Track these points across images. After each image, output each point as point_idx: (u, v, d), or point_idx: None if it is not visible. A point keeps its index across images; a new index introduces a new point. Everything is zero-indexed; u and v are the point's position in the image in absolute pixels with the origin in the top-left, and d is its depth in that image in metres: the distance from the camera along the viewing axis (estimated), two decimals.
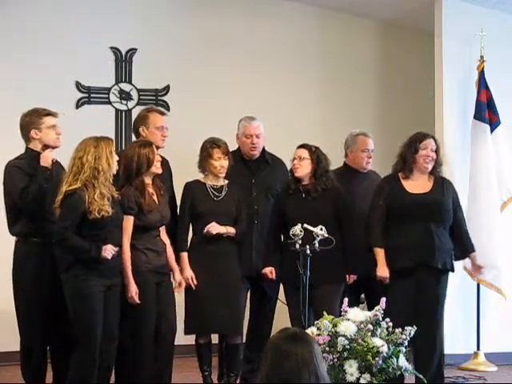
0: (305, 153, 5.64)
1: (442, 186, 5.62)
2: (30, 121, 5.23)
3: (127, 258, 5.13)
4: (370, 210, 5.64)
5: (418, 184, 5.60)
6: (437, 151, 5.62)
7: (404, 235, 5.49)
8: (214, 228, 5.50)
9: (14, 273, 5.24)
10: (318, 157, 5.65)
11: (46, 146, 5.20)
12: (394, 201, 5.55)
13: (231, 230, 5.55)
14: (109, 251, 4.88)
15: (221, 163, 5.57)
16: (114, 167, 4.98)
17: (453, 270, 5.63)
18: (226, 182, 5.67)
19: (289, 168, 5.83)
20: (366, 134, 6.29)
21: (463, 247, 5.65)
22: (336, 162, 6.02)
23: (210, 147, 5.58)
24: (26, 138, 5.26)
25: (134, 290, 5.11)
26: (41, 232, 5.13)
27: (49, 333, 5.20)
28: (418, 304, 5.41)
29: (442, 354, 5.57)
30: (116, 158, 5.01)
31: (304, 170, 5.63)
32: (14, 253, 5.25)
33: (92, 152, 4.89)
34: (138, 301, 5.11)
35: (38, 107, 5.30)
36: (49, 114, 5.25)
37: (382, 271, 5.51)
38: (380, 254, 5.54)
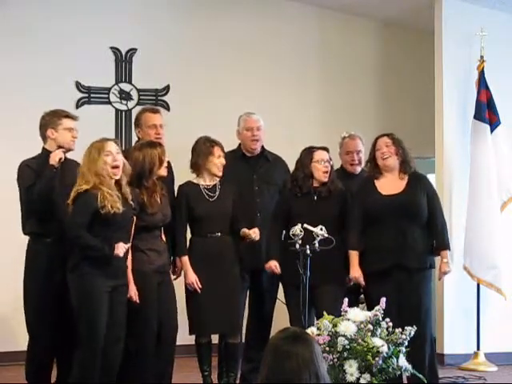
0: (328, 156, 5.65)
1: (416, 183, 5.57)
2: (49, 121, 5.28)
3: (128, 257, 5.13)
4: (346, 213, 5.63)
5: (390, 184, 5.58)
6: (395, 146, 5.56)
7: (377, 237, 5.48)
8: (257, 235, 5.53)
9: (25, 271, 5.27)
10: (331, 159, 5.70)
11: (60, 147, 5.23)
12: (367, 203, 5.55)
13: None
14: (121, 249, 4.91)
15: (221, 161, 5.57)
16: (110, 164, 4.95)
17: (432, 267, 5.60)
18: (218, 180, 5.65)
19: (291, 167, 5.85)
20: (353, 135, 6.27)
21: (436, 244, 5.58)
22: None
23: (209, 145, 5.57)
24: (43, 137, 5.31)
25: (133, 290, 5.12)
26: (51, 232, 5.14)
27: (55, 332, 5.21)
28: (400, 305, 5.37)
29: (433, 353, 5.56)
30: (115, 155, 4.98)
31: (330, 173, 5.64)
32: (26, 252, 5.29)
33: (87, 154, 4.96)
34: (137, 300, 5.11)
35: (59, 109, 5.36)
36: (68, 116, 5.30)
37: (353, 272, 5.52)
38: (353, 256, 5.54)
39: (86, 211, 4.87)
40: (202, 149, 5.57)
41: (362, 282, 5.53)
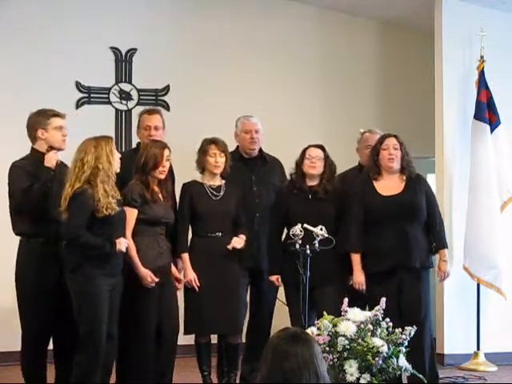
0: (321, 153, 5.63)
1: (415, 184, 5.58)
2: (37, 121, 5.21)
3: (133, 248, 5.16)
4: (345, 213, 5.61)
5: (389, 185, 5.58)
6: (402, 149, 5.57)
7: (379, 238, 5.48)
8: (240, 243, 5.54)
9: (16, 272, 5.22)
10: (329, 158, 5.67)
11: (50, 147, 5.18)
12: (367, 204, 5.54)
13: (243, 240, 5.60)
14: (123, 244, 4.93)
15: (216, 159, 5.57)
16: (116, 165, 4.99)
17: (431, 267, 5.64)
18: (224, 181, 5.67)
19: (287, 168, 5.84)
20: (372, 130, 6.25)
21: (435, 244, 5.62)
22: (336, 162, 5.99)
23: (206, 144, 5.61)
24: (33, 137, 5.24)
25: (148, 276, 5.15)
26: (44, 232, 5.10)
27: (50, 333, 5.20)
28: (400, 305, 5.39)
29: (433, 353, 5.56)
30: (118, 155, 5.04)
31: (319, 169, 5.61)
32: (17, 252, 5.24)
33: (92, 152, 4.92)
34: (154, 282, 5.15)
35: (46, 108, 5.28)
36: (56, 114, 5.24)
37: (358, 276, 5.52)
38: (355, 258, 5.53)
39: (84, 211, 4.86)
40: (201, 147, 5.63)
41: (364, 288, 5.50)
